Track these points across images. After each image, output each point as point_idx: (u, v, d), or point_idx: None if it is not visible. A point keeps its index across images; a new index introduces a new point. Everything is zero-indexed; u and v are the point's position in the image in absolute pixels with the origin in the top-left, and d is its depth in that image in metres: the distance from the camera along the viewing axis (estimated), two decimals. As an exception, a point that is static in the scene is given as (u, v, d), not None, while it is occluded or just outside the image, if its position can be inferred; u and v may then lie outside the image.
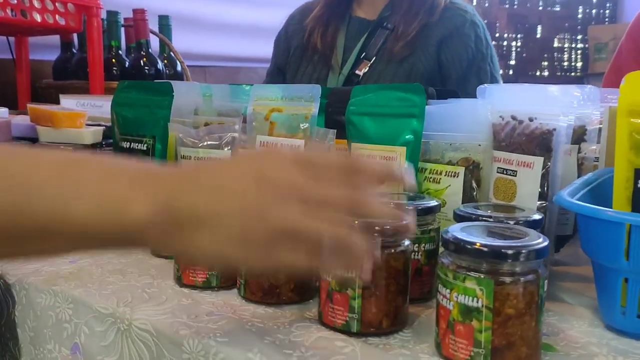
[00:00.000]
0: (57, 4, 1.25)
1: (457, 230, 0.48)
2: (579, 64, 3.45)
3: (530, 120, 0.62)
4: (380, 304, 0.51)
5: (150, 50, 1.49)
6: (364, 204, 0.40)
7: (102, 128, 0.95)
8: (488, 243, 0.45)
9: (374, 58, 1.28)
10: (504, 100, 0.66)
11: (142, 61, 1.48)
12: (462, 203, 0.64)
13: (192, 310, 0.56)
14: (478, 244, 0.45)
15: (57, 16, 1.26)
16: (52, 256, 0.60)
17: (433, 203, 0.59)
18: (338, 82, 1.30)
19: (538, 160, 0.60)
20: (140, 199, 0.39)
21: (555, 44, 3.43)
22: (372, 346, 0.49)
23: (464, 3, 1.28)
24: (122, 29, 1.53)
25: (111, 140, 0.98)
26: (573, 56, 3.44)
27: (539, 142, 0.61)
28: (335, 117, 0.81)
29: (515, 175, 0.62)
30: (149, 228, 0.38)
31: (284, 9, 2.55)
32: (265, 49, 2.55)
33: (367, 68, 1.28)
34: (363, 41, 1.30)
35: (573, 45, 3.43)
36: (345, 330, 0.51)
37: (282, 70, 1.44)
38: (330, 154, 0.54)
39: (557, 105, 0.62)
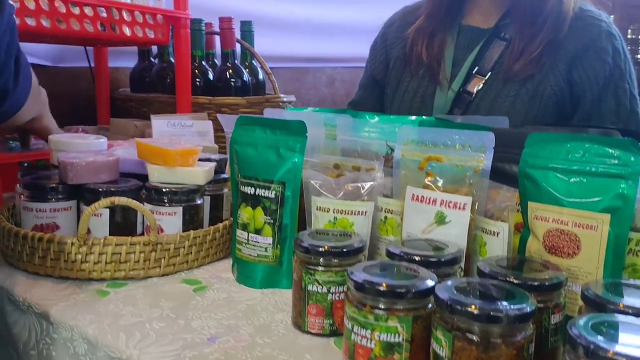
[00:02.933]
0: (146, 16, 1.16)
1: None
2: None
3: None
4: None
5: (236, 61, 1.40)
6: None
7: (213, 165, 0.86)
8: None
9: (489, 74, 1.14)
10: None
11: (228, 73, 1.38)
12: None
13: None
14: None
15: (146, 29, 1.17)
16: None
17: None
18: (447, 99, 1.18)
19: None
20: None
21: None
22: None
23: (596, 10, 1.12)
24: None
25: (223, 176, 0.90)
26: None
27: None
28: (494, 162, 0.69)
29: None
30: None
31: (348, 6, 2.44)
32: (330, 47, 2.45)
33: (481, 85, 1.15)
34: (476, 54, 1.17)
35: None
36: None
37: (379, 82, 1.32)
38: None
39: None
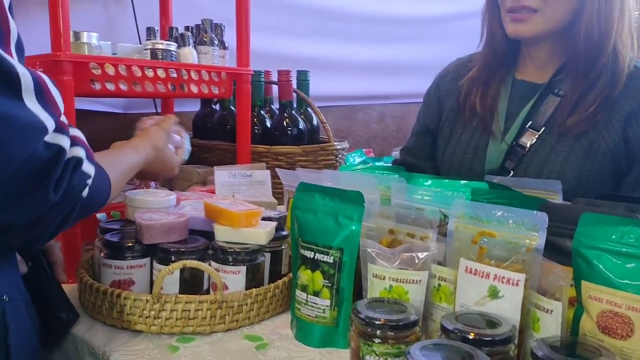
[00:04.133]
0: (212, 74, 1.25)
1: None
2: None
3: None
4: None
5: (293, 111, 1.46)
6: None
7: (274, 225, 0.91)
8: None
9: (543, 129, 1.16)
10: None
11: (285, 122, 1.45)
12: None
13: None
14: None
15: (211, 86, 1.25)
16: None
17: None
18: (500, 152, 1.19)
19: None
20: None
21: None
22: None
23: (651, 68, 1.12)
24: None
25: (283, 233, 0.95)
26: None
27: None
28: (547, 235, 0.71)
29: None
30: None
31: (398, 45, 2.48)
32: (381, 85, 2.49)
33: (535, 139, 1.16)
34: (530, 108, 1.19)
35: None
36: None
37: (431, 131, 1.35)
38: None
39: None
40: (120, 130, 1.11)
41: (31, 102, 0.57)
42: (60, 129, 0.61)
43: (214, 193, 1.22)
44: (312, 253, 0.80)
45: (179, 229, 0.86)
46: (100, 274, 0.87)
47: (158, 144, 0.96)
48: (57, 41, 0.97)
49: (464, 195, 0.84)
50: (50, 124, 0.59)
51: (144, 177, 1.03)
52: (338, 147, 1.45)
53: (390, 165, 1.36)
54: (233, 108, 1.53)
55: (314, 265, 0.79)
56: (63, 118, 0.63)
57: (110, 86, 1.06)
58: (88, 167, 0.65)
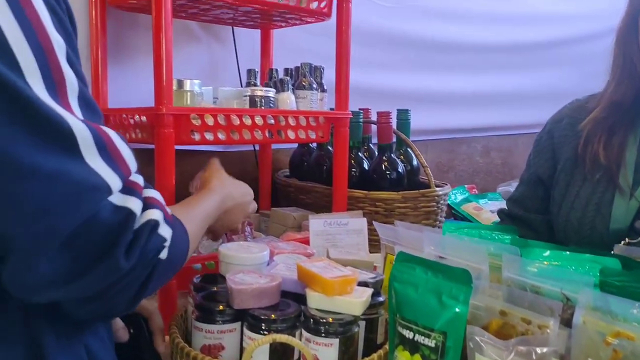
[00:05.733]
0: (310, 119, 1.22)
1: None
2: None
3: None
4: None
5: (392, 154, 1.40)
6: None
7: (370, 292, 0.85)
8: None
9: (683, 183, 1.00)
10: None
11: (383, 165, 1.39)
12: None
13: None
14: None
15: (309, 131, 1.22)
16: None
17: None
18: (629, 210, 1.04)
19: None
20: None
21: None
22: None
23: None
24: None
25: (379, 299, 0.88)
26: None
27: None
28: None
29: None
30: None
31: (502, 75, 2.33)
32: (485, 117, 2.36)
33: (673, 195, 1.01)
34: (665, 159, 1.03)
35: None
36: None
37: (543, 182, 1.21)
38: None
39: None
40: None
41: (92, 159, 0.52)
42: (129, 189, 0.56)
43: (309, 242, 1.18)
44: (412, 333, 0.72)
45: (271, 293, 0.83)
46: (192, 336, 0.85)
47: (235, 191, 0.92)
48: (159, 94, 0.99)
49: (591, 273, 0.73)
50: (115, 183, 0.54)
51: (215, 233, 0.97)
52: (440, 192, 1.36)
53: (499, 221, 1.24)
54: (330, 148, 1.49)
55: (413, 347, 0.72)
56: (134, 177, 0.58)
57: (209, 136, 1.06)
58: (165, 230, 0.61)
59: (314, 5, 1.21)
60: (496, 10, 2.24)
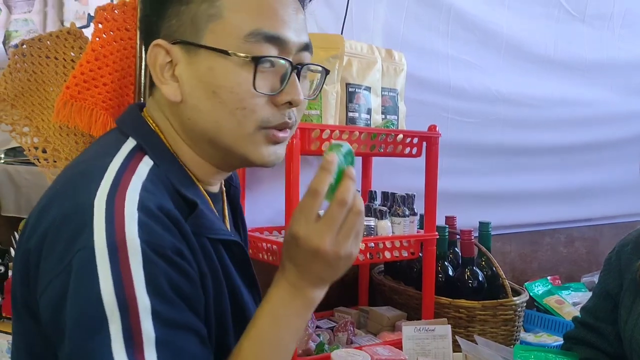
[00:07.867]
0: (403, 241, 1.49)
1: None
2: None
3: None
4: None
5: (474, 266, 1.63)
6: None
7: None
8: None
9: None
10: None
11: (466, 275, 1.62)
12: None
13: None
14: None
15: (402, 250, 1.50)
16: None
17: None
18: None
19: None
20: None
21: None
22: None
23: None
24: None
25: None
26: None
27: None
28: None
29: None
30: None
31: (586, 170, 2.46)
32: (569, 210, 2.49)
33: None
34: None
35: None
36: None
37: (612, 297, 1.38)
38: None
39: None
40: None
41: None
42: None
43: (401, 343, 1.43)
44: None
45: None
46: None
47: (325, 274, 0.74)
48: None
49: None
50: None
51: None
52: (517, 302, 1.57)
53: (573, 329, 1.42)
54: (421, 254, 1.74)
55: None
56: None
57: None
58: None
59: (407, 150, 1.51)
60: (574, 115, 2.43)
